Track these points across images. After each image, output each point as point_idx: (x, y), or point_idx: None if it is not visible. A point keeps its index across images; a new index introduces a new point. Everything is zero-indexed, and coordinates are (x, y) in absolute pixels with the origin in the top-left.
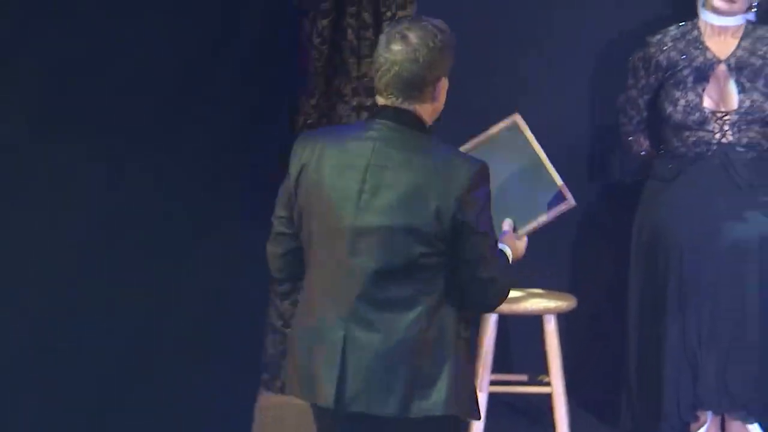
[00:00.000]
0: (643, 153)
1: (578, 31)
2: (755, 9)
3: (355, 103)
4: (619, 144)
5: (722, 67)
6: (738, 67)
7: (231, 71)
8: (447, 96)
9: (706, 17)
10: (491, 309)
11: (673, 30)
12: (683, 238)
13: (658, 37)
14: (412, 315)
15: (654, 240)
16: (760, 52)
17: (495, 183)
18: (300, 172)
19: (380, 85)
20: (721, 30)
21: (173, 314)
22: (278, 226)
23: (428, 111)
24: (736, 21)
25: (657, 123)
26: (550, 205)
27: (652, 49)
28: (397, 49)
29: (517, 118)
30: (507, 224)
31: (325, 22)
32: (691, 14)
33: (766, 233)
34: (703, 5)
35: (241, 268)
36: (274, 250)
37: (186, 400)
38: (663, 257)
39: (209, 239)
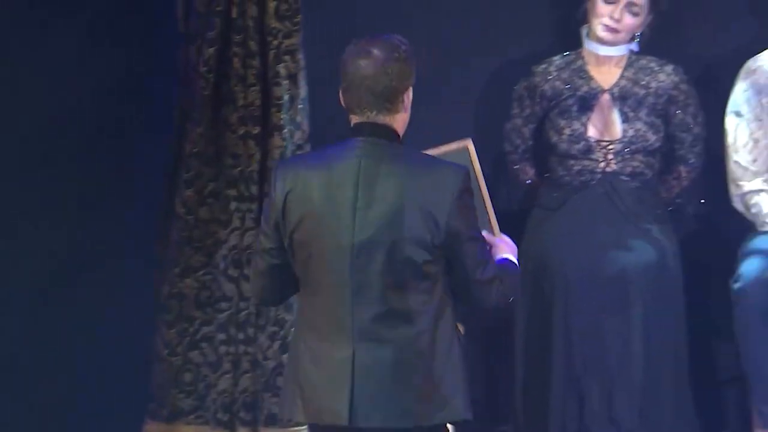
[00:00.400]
0: (528, 182)
1: (466, 61)
2: (638, 39)
3: (242, 132)
4: (506, 172)
5: (606, 97)
6: (621, 97)
7: (107, 99)
8: None
9: (590, 47)
10: (493, 308)
11: (557, 60)
12: (568, 267)
13: (543, 66)
14: (418, 326)
15: (539, 268)
16: (643, 82)
17: None
18: (285, 200)
19: (352, 103)
20: (604, 60)
21: (57, 343)
22: (264, 241)
23: (400, 122)
24: (620, 51)
25: (542, 152)
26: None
27: (537, 79)
28: (365, 64)
29: (469, 144)
30: (485, 234)
31: (211, 50)
32: (576, 44)
33: (650, 261)
34: (587, 35)
35: (125, 296)
36: (257, 266)
37: (71, 429)
38: (548, 286)
39: (93, 268)
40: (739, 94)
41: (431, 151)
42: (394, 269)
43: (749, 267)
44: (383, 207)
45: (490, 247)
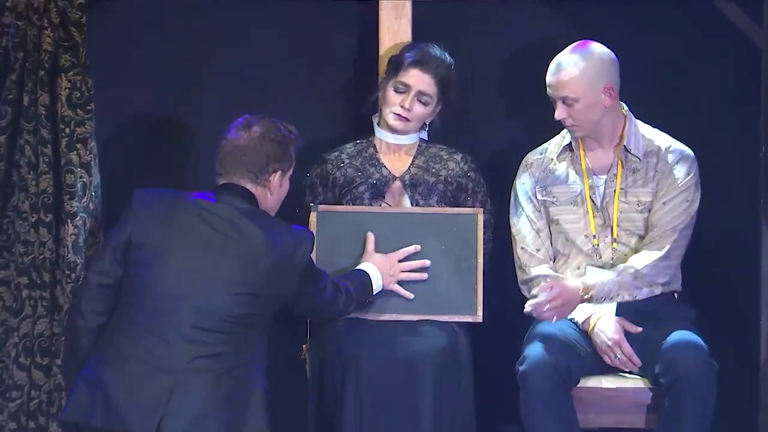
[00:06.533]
0: None
1: None
2: (428, 128)
3: (33, 219)
4: None
5: (397, 184)
6: (413, 184)
7: None
8: None
9: (381, 135)
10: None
11: (349, 147)
12: (361, 351)
13: (335, 153)
14: None
15: (330, 353)
16: (433, 170)
17: (425, 256)
18: None
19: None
20: (395, 147)
21: None
22: None
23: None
24: (410, 139)
25: None
26: (460, 310)
27: (329, 166)
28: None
29: (479, 213)
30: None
31: (2, 138)
32: (368, 131)
33: (440, 346)
34: (378, 123)
35: None
36: None
37: None
38: (340, 370)
39: None
40: (519, 188)
41: (441, 208)
42: None
43: (533, 350)
44: None
45: None
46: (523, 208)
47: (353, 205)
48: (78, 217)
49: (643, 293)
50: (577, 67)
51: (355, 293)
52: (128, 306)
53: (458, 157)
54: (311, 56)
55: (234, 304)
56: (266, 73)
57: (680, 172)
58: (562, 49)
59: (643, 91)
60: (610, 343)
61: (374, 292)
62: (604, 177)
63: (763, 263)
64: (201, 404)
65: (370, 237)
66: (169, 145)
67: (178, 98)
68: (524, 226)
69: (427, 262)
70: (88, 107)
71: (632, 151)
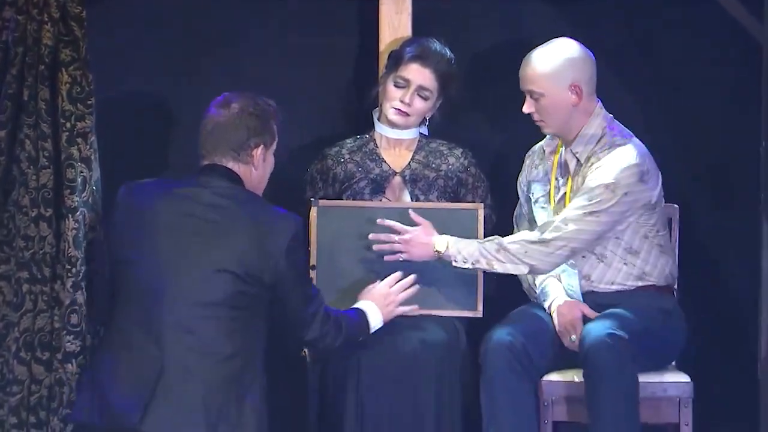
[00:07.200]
0: None
1: None
2: (428, 123)
3: (34, 214)
4: None
5: (397, 179)
6: (413, 179)
7: None
8: None
9: (381, 130)
10: None
11: (349, 142)
12: (361, 346)
13: (336, 149)
14: None
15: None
16: (433, 165)
17: None
18: None
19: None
20: (396, 143)
21: None
22: None
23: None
24: (410, 134)
25: None
26: (460, 305)
27: (330, 161)
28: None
29: (480, 209)
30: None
31: (2, 133)
32: (368, 126)
33: (441, 341)
34: (378, 118)
35: None
36: None
37: None
38: (341, 366)
39: None
40: (519, 180)
41: (442, 203)
42: None
43: (495, 332)
44: None
45: None
46: (520, 199)
47: (353, 200)
48: (78, 212)
49: (506, 268)
50: (545, 62)
51: (345, 328)
52: (120, 303)
53: (458, 152)
54: (312, 51)
55: (218, 287)
56: (267, 68)
57: (595, 182)
58: None
59: (643, 87)
60: (567, 324)
61: (372, 329)
62: (565, 178)
63: (763, 260)
64: (189, 395)
65: (392, 277)
66: (170, 140)
67: (179, 93)
68: (520, 219)
69: (413, 277)
70: (89, 102)
71: (578, 155)
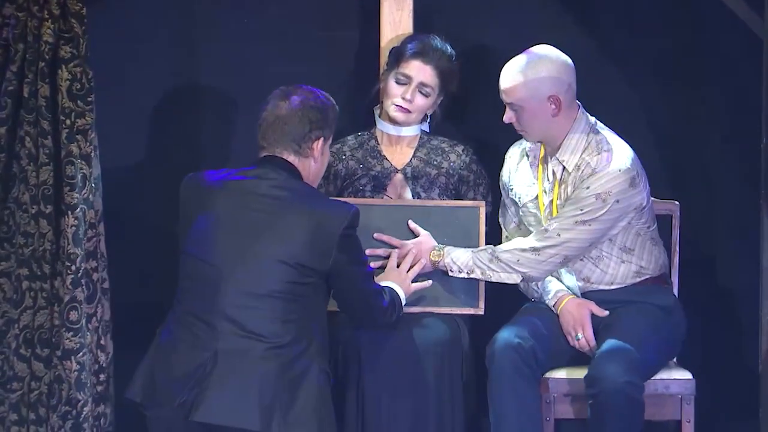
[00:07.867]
0: None
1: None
2: (429, 120)
3: (33, 211)
4: None
5: (399, 176)
6: (414, 176)
7: None
8: None
9: (382, 127)
10: None
11: (351, 139)
12: (363, 343)
13: (337, 146)
14: None
15: (333, 346)
16: (434, 162)
17: None
18: None
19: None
20: (397, 140)
21: None
22: None
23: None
24: (412, 131)
25: None
26: (461, 302)
27: (331, 158)
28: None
29: (481, 206)
30: None
31: (2, 130)
32: (369, 123)
33: (443, 338)
34: (380, 115)
35: None
36: None
37: None
38: (342, 362)
39: None
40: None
41: (444, 201)
42: None
43: (502, 333)
44: None
45: None
46: (502, 199)
47: (355, 197)
48: (78, 209)
49: (500, 277)
50: (522, 75)
51: (399, 303)
52: (181, 292)
53: (460, 149)
54: (313, 48)
55: (274, 277)
56: (268, 65)
57: (586, 192)
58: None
59: (643, 83)
60: (572, 323)
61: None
62: (552, 184)
63: (763, 257)
64: (240, 383)
65: (393, 254)
66: (170, 136)
67: (179, 90)
68: (507, 218)
69: (413, 253)
70: (89, 99)
71: (564, 163)
